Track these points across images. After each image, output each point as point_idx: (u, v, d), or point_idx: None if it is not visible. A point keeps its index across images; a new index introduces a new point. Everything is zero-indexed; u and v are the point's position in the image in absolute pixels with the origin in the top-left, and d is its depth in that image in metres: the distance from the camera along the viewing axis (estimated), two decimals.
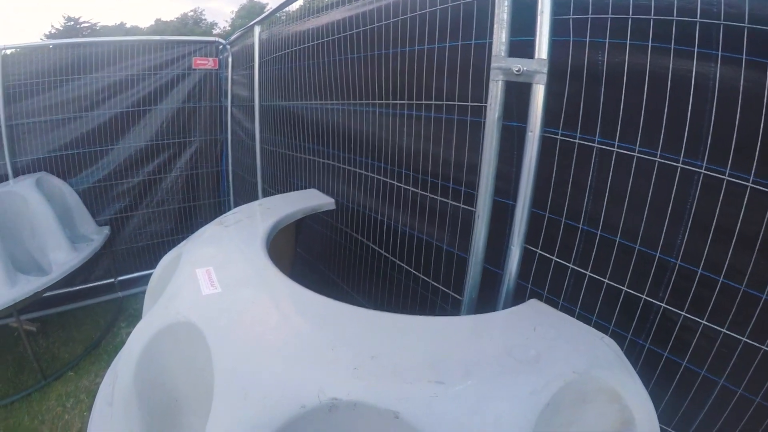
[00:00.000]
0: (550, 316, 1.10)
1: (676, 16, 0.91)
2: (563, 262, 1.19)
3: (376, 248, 1.94)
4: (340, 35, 1.97)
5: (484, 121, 1.21)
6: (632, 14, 0.98)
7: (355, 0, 1.91)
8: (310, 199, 2.04)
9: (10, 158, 3.29)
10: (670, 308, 1.01)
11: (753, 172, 0.86)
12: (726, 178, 0.89)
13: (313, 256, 2.62)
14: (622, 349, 0.99)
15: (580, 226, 1.15)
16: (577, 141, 1.11)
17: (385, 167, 1.81)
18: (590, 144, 1.09)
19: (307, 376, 0.83)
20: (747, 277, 0.90)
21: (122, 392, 1.07)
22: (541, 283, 1.25)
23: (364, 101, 1.89)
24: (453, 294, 1.54)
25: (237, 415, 0.81)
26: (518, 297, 1.27)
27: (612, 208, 1.08)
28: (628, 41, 0.99)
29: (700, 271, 0.96)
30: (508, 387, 0.84)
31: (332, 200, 2.05)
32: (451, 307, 1.55)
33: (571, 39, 1.09)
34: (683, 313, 0.99)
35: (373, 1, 1.75)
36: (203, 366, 0.93)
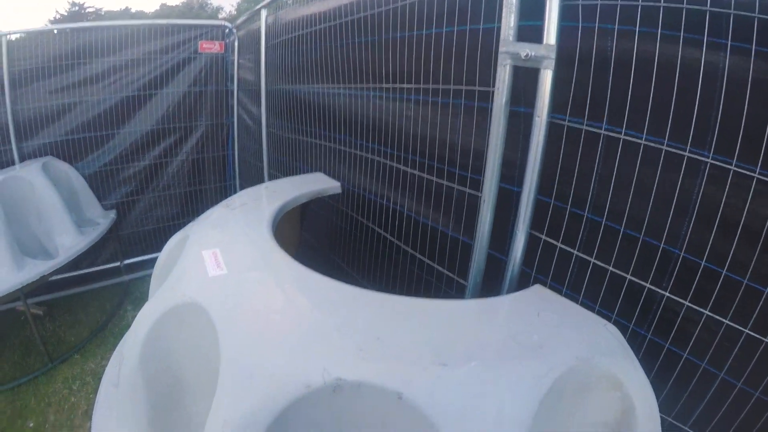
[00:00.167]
0: (554, 302, 1.10)
1: (686, 4, 0.90)
2: (567, 248, 1.19)
3: (381, 232, 1.95)
4: (346, 19, 1.96)
5: (492, 106, 1.21)
6: (642, 1, 0.97)
7: None
8: (316, 183, 2.04)
9: (17, 143, 3.30)
10: (673, 297, 1.01)
11: (760, 164, 0.85)
12: (732, 168, 0.88)
13: (318, 240, 2.63)
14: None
15: (585, 213, 1.14)
16: (584, 127, 1.10)
17: (392, 152, 1.81)
18: (597, 131, 1.08)
19: (312, 357, 0.84)
20: (750, 270, 0.89)
21: (128, 374, 1.08)
22: (545, 270, 1.25)
23: (371, 85, 1.88)
24: (457, 279, 1.54)
25: (242, 396, 0.81)
26: (522, 284, 1.27)
27: (617, 196, 1.07)
28: (637, 28, 0.98)
29: (703, 263, 0.95)
30: (511, 371, 0.85)
31: (338, 184, 2.05)
32: (456, 292, 1.56)
33: (580, 24, 1.08)
34: (686, 302, 0.99)
35: None
36: (209, 347, 0.94)
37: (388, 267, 1.94)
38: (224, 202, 1.67)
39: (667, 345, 1.05)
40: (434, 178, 1.59)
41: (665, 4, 0.93)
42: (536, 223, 1.23)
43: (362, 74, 1.93)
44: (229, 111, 4.02)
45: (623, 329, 1.06)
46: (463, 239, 1.50)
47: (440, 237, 1.60)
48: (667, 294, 1.02)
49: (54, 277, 3.08)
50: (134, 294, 3.83)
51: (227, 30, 3.80)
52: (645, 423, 0.89)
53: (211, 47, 3.78)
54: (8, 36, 3.16)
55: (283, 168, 2.98)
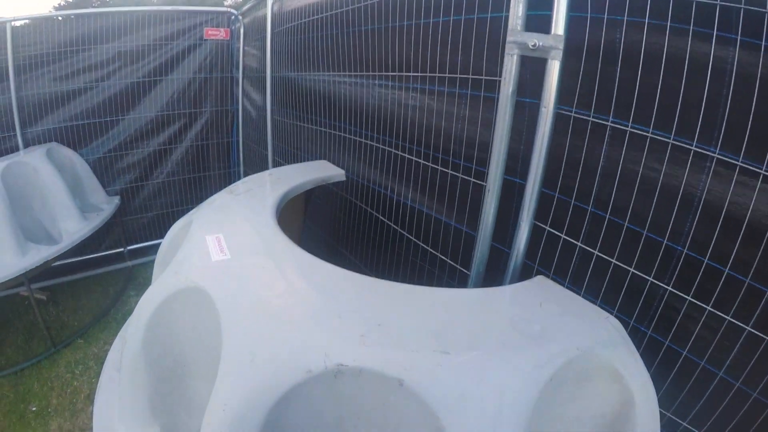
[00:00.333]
0: (556, 293, 1.10)
1: None
2: (571, 240, 1.19)
3: (385, 220, 1.95)
4: (353, 6, 1.95)
5: (498, 96, 1.20)
6: None
7: None
8: (321, 170, 2.04)
9: (21, 129, 3.30)
10: (676, 291, 1.01)
11: (767, 161, 0.84)
12: (739, 164, 0.87)
13: (321, 227, 2.64)
14: None
15: (589, 208, 1.14)
16: (590, 119, 1.10)
17: (396, 142, 1.80)
18: (603, 123, 1.08)
19: (313, 342, 0.84)
20: (753, 269, 0.89)
21: (130, 357, 1.09)
22: (548, 264, 1.25)
23: (377, 73, 1.87)
24: (460, 268, 1.55)
25: (244, 380, 0.82)
26: (524, 277, 1.28)
27: (622, 189, 1.07)
28: (646, 20, 0.97)
29: (706, 260, 0.95)
30: (512, 360, 0.85)
31: (342, 172, 2.04)
32: (458, 282, 1.56)
33: (589, 15, 1.07)
34: (689, 297, 0.99)
35: None
36: (211, 331, 0.94)
37: (390, 255, 1.94)
38: (228, 188, 1.67)
39: (667, 342, 1.05)
40: (439, 167, 1.59)
41: None
42: (540, 214, 1.22)
43: (368, 62, 1.92)
44: (234, 98, 4.02)
45: (624, 326, 1.06)
46: (466, 229, 1.50)
47: (443, 226, 1.60)
48: (670, 288, 1.02)
49: (57, 263, 3.10)
50: (137, 279, 3.85)
51: (233, 17, 3.79)
52: (644, 417, 0.89)
53: (216, 34, 3.77)
54: (13, 22, 3.15)
55: (287, 155, 2.98)
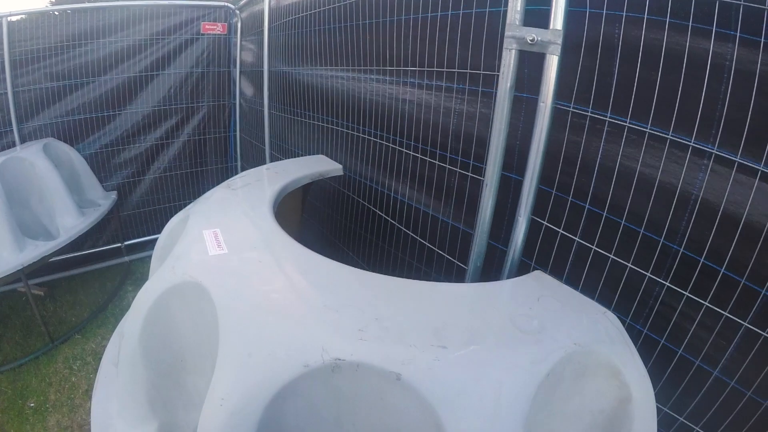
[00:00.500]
0: (554, 288, 1.10)
1: None
2: (569, 234, 1.19)
3: (382, 214, 1.95)
4: (350, 1, 1.94)
5: (496, 91, 1.20)
6: None
7: None
8: (318, 165, 2.04)
9: (17, 124, 3.28)
10: (673, 287, 1.01)
11: (764, 159, 0.84)
12: (737, 160, 0.87)
13: (319, 222, 2.64)
14: None
15: (587, 205, 1.14)
16: (588, 114, 1.10)
17: (394, 137, 1.80)
18: (601, 118, 1.07)
19: (311, 337, 0.84)
20: (749, 268, 0.89)
21: (128, 352, 1.09)
22: (544, 261, 1.25)
23: (374, 68, 1.87)
24: (458, 263, 1.55)
25: (241, 374, 0.82)
26: (520, 273, 1.27)
27: (619, 185, 1.07)
28: (645, 16, 0.97)
29: (702, 259, 0.95)
30: (510, 355, 0.85)
31: (340, 166, 2.04)
32: (456, 277, 1.56)
33: (588, 10, 1.07)
34: (686, 293, 0.99)
35: None
36: (209, 326, 0.94)
37: (388, 249, 1.94)
38: (226, 183, 1.67)
39: (662, 341, 1.05)
40: (436, 161, 1.59)
41: None
42: (537, 210, 1.22)
43: (365, 57, 1.92)
44: (232, 93, 4.01)
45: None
46: (464, 225, 1.50)
47: (441, 222, 1.60)
48: (668, 283, 1.02)
49: (55, 258, 3.09)
50: (135, 275, 3.85)
51: (230, 11, 3.77)
52: (642, 414, 0.90)
53: (213, 29, 3.75)
54: (9, 17, 3.13)
55: (284, 149, 2.98)
